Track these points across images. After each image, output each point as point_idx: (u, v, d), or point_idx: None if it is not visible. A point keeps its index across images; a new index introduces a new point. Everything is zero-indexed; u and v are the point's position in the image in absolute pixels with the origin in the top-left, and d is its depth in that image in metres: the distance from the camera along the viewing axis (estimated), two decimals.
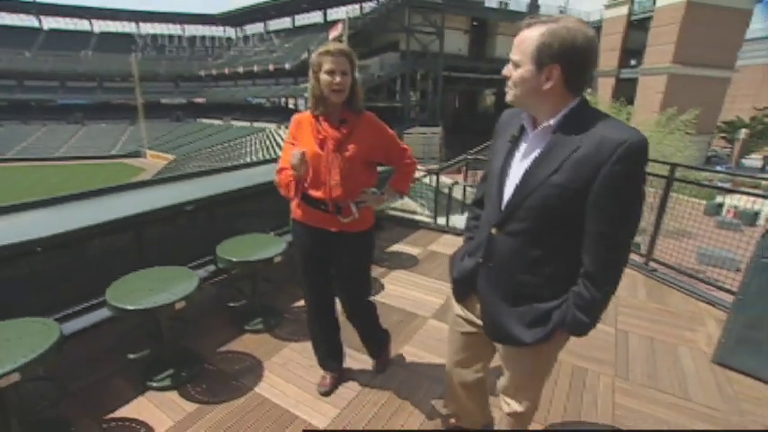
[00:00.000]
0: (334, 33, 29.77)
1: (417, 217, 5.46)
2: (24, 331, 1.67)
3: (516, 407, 1.40)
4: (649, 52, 23.62)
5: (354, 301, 2.05)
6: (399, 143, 1.92)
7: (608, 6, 26.59)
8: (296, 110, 32.55)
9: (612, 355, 2.54)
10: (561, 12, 32.09)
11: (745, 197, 6.58)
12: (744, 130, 26.49)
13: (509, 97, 1.17)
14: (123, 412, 1.99)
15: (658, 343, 2.68)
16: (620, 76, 25.49)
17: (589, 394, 2.19)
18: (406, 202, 7.06)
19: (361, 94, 1.78)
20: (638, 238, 4.46)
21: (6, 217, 2.46)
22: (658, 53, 22.94)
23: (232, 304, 2.78)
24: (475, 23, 30.70)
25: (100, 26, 53.85)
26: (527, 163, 1.16)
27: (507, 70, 1.14)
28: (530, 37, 1.07)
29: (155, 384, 2.13)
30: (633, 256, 4.05)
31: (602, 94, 25.04)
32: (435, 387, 2.17)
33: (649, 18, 23.56)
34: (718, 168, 13.92)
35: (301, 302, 2.83)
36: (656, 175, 3.99)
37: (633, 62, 24.96)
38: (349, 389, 2.17)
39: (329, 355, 2.16)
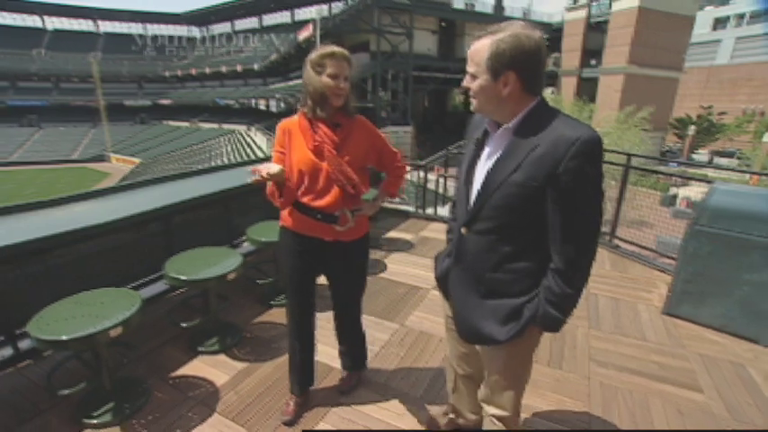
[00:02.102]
0: (304, 34, 29.71)
1: (406, 208, 5.85)
2: (114, 297, 1.94)
3: (494, 411, 1.40)
4: (607, 53, 25.02)
5: (348, 308, 1.98)
6: (391, 146, 1.87)
7: (568, 9, 27.92)
8: (267, 111, 32.47)
9: (586, 312, 3.01)
10: (525, 13, 33.44)
11: (696, 188, 7.38)
12: (692, 127, 28.52)
13: (473, 107, 1.22)
14: (183, 371, 2.28)
15: (622, 302, 3.19)
16: (582, 76, 26.78)
17: (570, 341, 2.64)
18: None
19: (352, 98, 1.72)
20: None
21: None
22: (616, 54, 24.36)
23: (260, 280, 3.00)
24: (443, 24, 31.41)
25: (53, 23, 50.79)
26: (490, 164, 1.21)
27: (466, 81, 1.18)
28: (481, 48, 1.11)
29: (204, 349, 2.42)
30: None
31: (565, 93, 26.34)
32: (443, 346, 2.54)
33: (606, 21, 24.96)
34: (671, 164, 15.10)
35: None
36: (615, 164, 4.56)
37: (593, 62, 26.28)
38: (375, 346, 2.52)
39: (300, 374, 1.99)
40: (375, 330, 2.67)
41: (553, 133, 1.10)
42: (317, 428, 1.92)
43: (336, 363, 2.24)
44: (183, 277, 2.21)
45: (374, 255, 3.97)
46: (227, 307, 2.73)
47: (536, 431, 1.90)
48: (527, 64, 1.10)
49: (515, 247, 1.20)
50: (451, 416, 1.80)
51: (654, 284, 3.50)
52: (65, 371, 2.17)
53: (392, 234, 4.60)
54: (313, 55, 1.63)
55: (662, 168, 8.51)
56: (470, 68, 1.15)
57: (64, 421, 1.92)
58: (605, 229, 4.58)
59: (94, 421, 1.89)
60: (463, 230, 1.28)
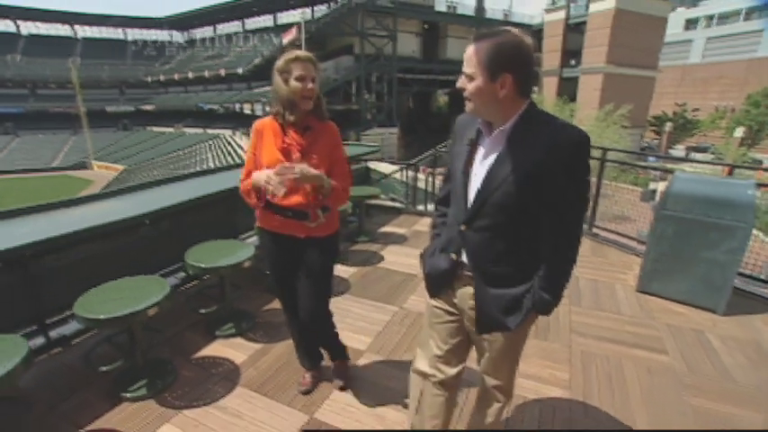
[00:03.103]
0: (288, 37, 29.79)
1: (398, 205, 6.11)
2: (146, 283, 2.15)
3: (492, 381, 1.49)
4: (586, 53, 25.77)
5: (316, 304, 1.96)
6: (345, 167, 1.87)
7: (548, 11, 28.64)
8: (252, 115, 32.37)
9: (567, 291, 3.29)
10: (506, 15, 34.11)
11: None
12: (669, 124, 29.55)
13: (468, 109, 1.25)
14: (204, 353, 2.49)
15: (600, 283, 3.50)
16: (562, 75, 27.49)
17: (553, 316, 2.88)
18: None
19: (323, 101, 1.79)
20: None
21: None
22: (594, 54, 25.11)
23: (268, 271, 3.21)
24: (426, 26, 31.88)
25: (28, 28, 49.52)
26: (487, 165, 1.25)
27: (462, 83, 1.21)
28: (480, 50, 1.14)
29: (221, 333, 2.63)
30: None
31: (547, 93, 27.02)
32: None
33: (584, 22, 25.71)
34: (650, 159, 15.75)
35: None
36: (593, 158, 4.90)
37: (573, 62, 27.00)
38: (376, 324, 2.77)
39: (306, 356, 2.19)
40: (377, 313, 2.92)
41: (546, 134, 1.17)
42: (322, 420, 2.04)
43: (344, 340, 2.47)
44: (202, 265, 2.42)
45: (371, 247, 4.24)
46: (239, 296, 2.95)
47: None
48: (523, 67, 1.15)
49: (513, 241, 1.27)
50: None
51: (629, 267, 3.82)
52: (97, 354, 2.38)
53: (387, 229, 4.85)
54: (279, 62, 1.69)
55: (636, 162, 8.92)
56: (468, 69, 1.18)
57: (101, 397, 2.11)
58: (585, 216, 4.92)
59: (130, 395, 2.09)
60: (463, 228, 1.32)
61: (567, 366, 2.40)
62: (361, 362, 2.42)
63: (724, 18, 38.03)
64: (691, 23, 40.37)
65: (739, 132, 24.24)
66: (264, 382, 2.24)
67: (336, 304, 2.36)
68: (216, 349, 2.54)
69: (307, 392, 2.14)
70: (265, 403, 2.09)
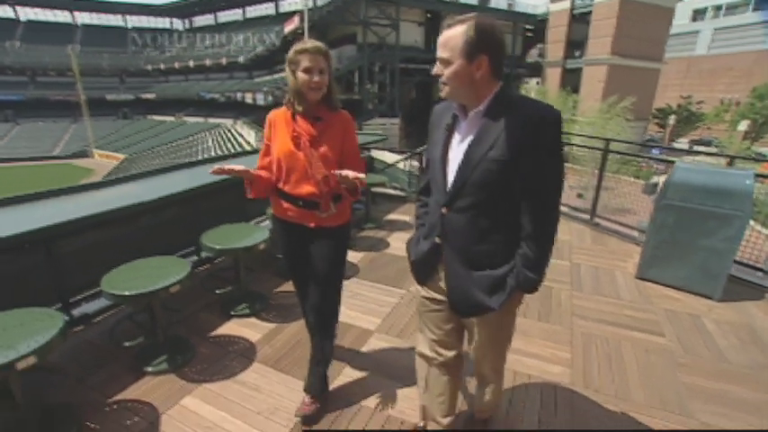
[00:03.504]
0: (290, 26, 29.60)
1: (402, 193, 6.19)
2: (167, 263, 2.27)
3: (486, 366, 1.57)
4: (591, 44, 25.52)
5: (321, 302, 1.92)
6: (358, 159, 1.86)
7: (553, 0, 28.33)
8: (254, 105, 32.31)
9: (569, 278, 3.42)
10: (510, 4, 33.74)
11: None
12: (673, 117, 29.40)
13: (444, 93, 1.28)
14: (220, 331, 2.60)
15: (601, 269, 3.60)
16: (566, 67, 27.25)
17: (555, 301, 3.04)
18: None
19: (336, 90, 1.78)
20: (584, 204, 5.47)
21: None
22: (599, 45, 24.87)
23: (279, 254, 3.31)
24: (429, 16, 31.59)
25: (27, 14, 49.06)
26: (465, 146, 1.28)
27: (438, 69, 1.24)
28: (456, 35, 1.18)
29: (236, 313, 2.74)
30: (581, 215, 5.04)
31: (550, 84, 26.85)
32: None
33: (589, 12, 25.43)
34: (653, 151, 15.76)
35: None
36: (597, 149, 4.98)
37: (577, 53, 26.78)
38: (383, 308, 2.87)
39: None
40: (386, 296, 3.04)
41: (520, 113, 1.21)
42: (335, 393, 2.15)
43: (354, 320, 2.58)
44: (218, 246, 2.54)
45: (378, 234, 4.34)
46: (252, 278, 3.05)
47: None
48: (497, 49, 1.20)
49: (493, 219, 1.30)
50: (420, 425, 1.79)
51: (630, 255, 3.92)
52: (120, 330, 2.51)
53: (392, 216, 4.95)
54: (290, 53, 1.70)
55: (640, 153, 8.96)
56: (444, 54, 1.21)
57: (126, 370, 2.23)
58: (588, 207, 5.01)
59: (152, 369, 2.22)
60: (444, 211, 1.35)
61: (568, 347, 2.51)
62: (371, 341, 2.54)
63: (732, 9, 37.56)
64: (698, 14, 39.88)
65: (743, 126, 24.14)
66: (280, 358, 2.36)
67: (346, 287, 2.39)
68: (231, 328, 2.65)
69: (306, 419, 1.90)
70: (281, 378, 2.21)
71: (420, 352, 1.63)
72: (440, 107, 1.43)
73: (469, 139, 1.27)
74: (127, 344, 2.28)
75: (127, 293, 1.98)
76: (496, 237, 1.31)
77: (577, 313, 2.89)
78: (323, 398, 1.99)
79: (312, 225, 1.82)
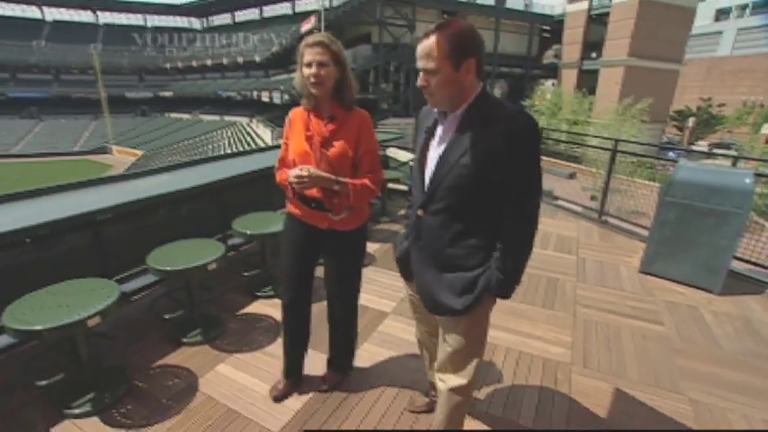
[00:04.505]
0: (306, 26, 29.95)
1: None
2: (203, 245, 2.53)
3: (453, 381, 1.45)
4: (608, 45, 25.25)
5: (341, 303, 1.95)
6: (375, 160, 1.76)
7: (570, 1, 28.11)
8: (270, 103, 32.82)
9: (575, 270, 3.58)
10: (526, 5, 33.54)
11: None
12: (692, 119, 28.91)
13: (431, 103, 1.29)
14: (247, 310, 2.86)
15: (606, 264, 3.76)
16: (582, 68, 27.05)
17: (560, 290, 3.21)
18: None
19: (352, 87, 1.69)
20: (594, 204, 5.59)
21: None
22: (616, 46, 24.60)
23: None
24: (445, 16, 31.62)
25: (52, 14, 50.70)
26: (441, 149, 1.29)
27: (423, 81, 1.23)
28: (441, 43, 1.16)
29: (261, 294, 3.01)
30: (590, 212, 5.17)
31: (565, 85, 26.66)
32: None
33: (607, 13, 25.20)
34: (670, 154, 15.63)
35: None
36: (605, 149, 5.10)
37: (594, 55, 26.54)
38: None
39: (291, 360, 2.10)
40: (400, 282, 3.15)
41: (495, 119, 1.20)
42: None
43: (370, 303, 2.78)
44: (248, 232, 2.81)
45: (393, 227, 4.56)
46: (275, 263, 3.29)
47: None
48: (481, 49, 1.20)
49: (467, 224, 1.30)
50: (433, 393, 1.89)
51: (635, 251, 4.06)
52: (160, 305, 2.78)
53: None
54: (299, 48, 1.66)
55: (655, 156, 8.98)
56: (429, 65, 1.19)
57: (164, 340, 2.49)
58: (595, 206, 5.14)
59: (188, 340, 2.48)
60: (420, 212, 1.37)
61: (570, 331, 2.68)
62: (387, 321, 2.75)
63: (759, 8, 36.61)
64: (721, 14, 38.99)
65: (766, 129, 23.65)
66: None
67: (363, 274, 2.51)
68: (257, 308, 2.89)
69: (277, 399, 2.02)
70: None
71: (418, 339, 1.83)
72: (426, 109, 1.43)
73: (445, 142, 1.29)
74: (167, 316, 2.54)
75: (169, 269, 2.24)
76: (469, 242, 1.31)
77: (581, 302, 3.05)
78: (344, 375, 2.16)
79: (324, 227, 1.80)
